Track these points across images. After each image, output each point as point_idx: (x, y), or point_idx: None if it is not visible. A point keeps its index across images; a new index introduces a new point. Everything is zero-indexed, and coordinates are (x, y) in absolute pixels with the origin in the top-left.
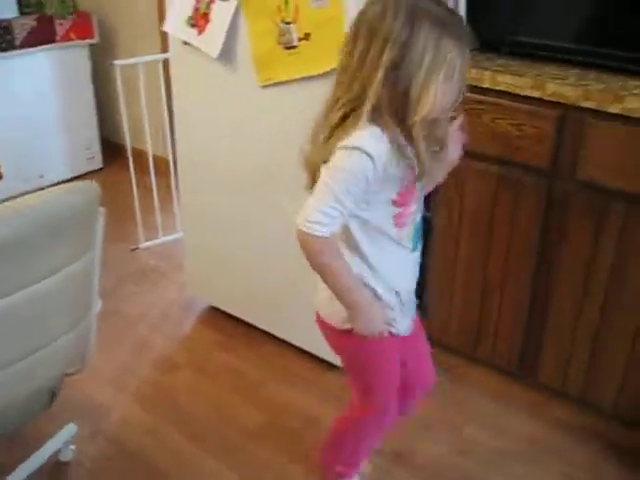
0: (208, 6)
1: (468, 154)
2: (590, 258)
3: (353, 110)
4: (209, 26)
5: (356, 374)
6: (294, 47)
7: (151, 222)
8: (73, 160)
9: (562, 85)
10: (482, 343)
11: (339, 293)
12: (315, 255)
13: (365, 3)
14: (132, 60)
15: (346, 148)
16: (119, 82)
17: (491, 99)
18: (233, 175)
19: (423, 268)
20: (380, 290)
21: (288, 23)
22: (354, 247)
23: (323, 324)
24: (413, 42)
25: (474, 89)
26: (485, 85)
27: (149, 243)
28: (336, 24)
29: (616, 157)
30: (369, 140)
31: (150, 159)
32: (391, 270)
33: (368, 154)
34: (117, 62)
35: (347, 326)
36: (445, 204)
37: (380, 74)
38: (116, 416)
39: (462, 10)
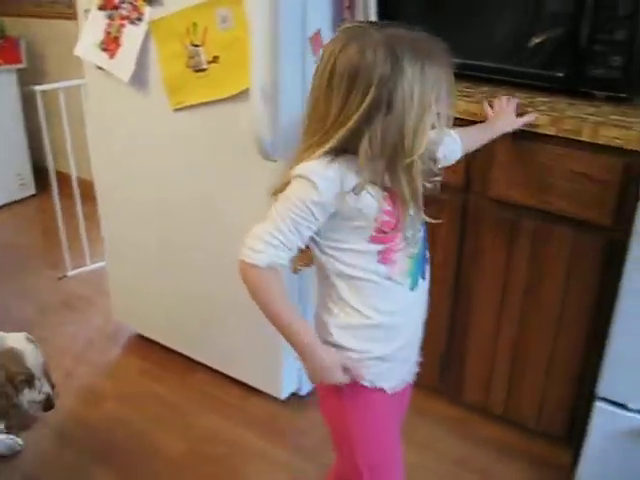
0: (119, 30)
1: None
2: (505, 275)
3: (313, 152)
4: (120, 50)
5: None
6: (203, 70)
7: (80, 249)
8: (5, 186)
9: (469, 103)
10: None
11: (281, 332)
12: (251, 286)
13: (334, 48)
14: (53, 85)
15: (293, 177)
16: (40, 107)
17: None
18: (150, 199)
19: None
20: (372, 344)
21: (197, 46)
22: (337, 294)
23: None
24: (398, 79)
25: None
26: None
27: (76, 271)
28: (242, 45)
29: (524, 173)
30: (316, 169)
31: (74, 184)
32: (384, 316)
33: (311, 181)
34: (37, 87)
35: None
36: None
37: (357, 116)
38: (31, 454)
39: None
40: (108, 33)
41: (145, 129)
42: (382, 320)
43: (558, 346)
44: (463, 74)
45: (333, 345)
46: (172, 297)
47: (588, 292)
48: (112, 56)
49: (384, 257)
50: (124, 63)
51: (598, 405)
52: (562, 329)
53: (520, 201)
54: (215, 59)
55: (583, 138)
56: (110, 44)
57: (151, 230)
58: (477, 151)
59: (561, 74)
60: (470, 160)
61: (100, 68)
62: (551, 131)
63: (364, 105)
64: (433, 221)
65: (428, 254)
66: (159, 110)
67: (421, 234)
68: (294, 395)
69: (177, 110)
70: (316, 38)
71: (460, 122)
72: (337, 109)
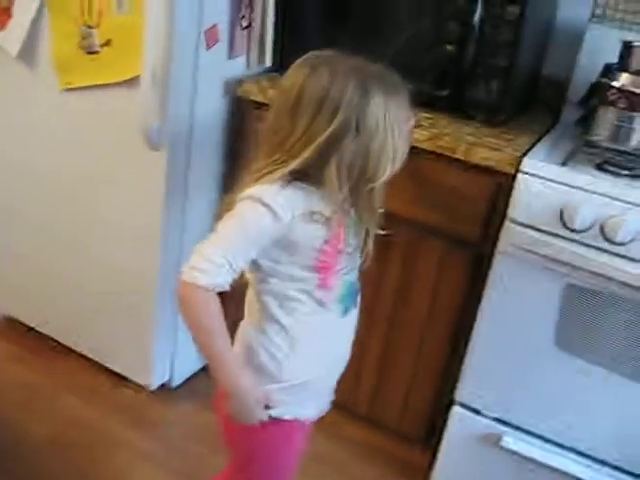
0: (10, 0)
1: None
2: (378, 282)
3: (270, 173)
4: (10, 22)
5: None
6: (96, 52)
7: None
8: None
9: None
10: None
11: (209, 359)
12: (192, 309)
13: (304, 70)
14: None
15: (244, 197)
16: None
17: None
18: (31, 179)
19: None
20: (298, 370)
21: (90, 27)
22: (269, 316)
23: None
24: (367, 105)
25: None
26: None
27: None
28: (137, 32)
29: (404, 186)
30: (271, 192)
31: None
32: (313, 341)
33: (265, 205)
34: None
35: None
36: None
37: (324, 137)
38: None
39: (269, 30)
40: None
41: (31, 107)
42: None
43: (423, 352)
44: None
45: (258, 367)
46: (43, 280)
47: (454, 303)
48: (2, 28)
49: (322, 282)
50: (13, 36)
51: (455, 410)
52: (428, 336)
53: (397, 212)
54: (108, 42)
55: (458, 156)
56: (0, 15)
57: (23, 210)
58: None
59: (445, 93)
60: None
61: None
62: (429, 147)
63: (332, 127)
64: (382, 233)
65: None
66: (47, 89)
67: (358, 260)
68: (164, 386)
69: (66, 90)
70: (211, 32)
71: None
72: (302, 129)
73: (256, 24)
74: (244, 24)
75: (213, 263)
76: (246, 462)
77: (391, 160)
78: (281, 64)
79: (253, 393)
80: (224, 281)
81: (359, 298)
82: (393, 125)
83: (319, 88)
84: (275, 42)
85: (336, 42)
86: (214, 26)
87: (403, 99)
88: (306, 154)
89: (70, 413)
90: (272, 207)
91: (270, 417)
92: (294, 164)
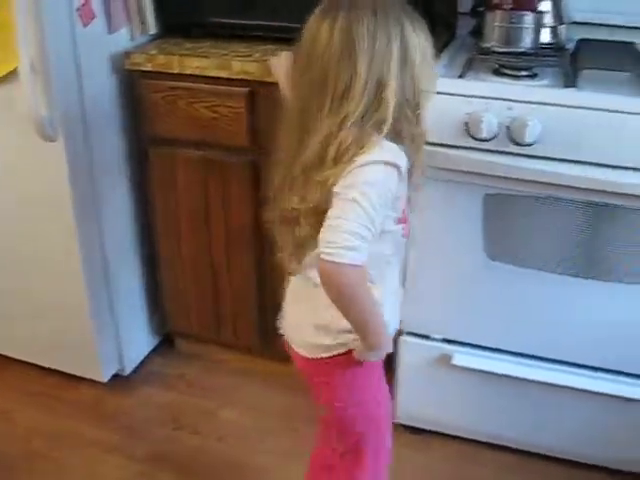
0: None
1: (172, 142)
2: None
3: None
4: None
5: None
6: None
7: None
8: None
9: (246, 62)
10: (223, 327)
11: (370, 330)
12: (350, 290)
13: (338, 18)
14: None
15: (370, 163)
16: None
17: (183, 84)
18: None
19: (153, 261)
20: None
21: None
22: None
23: (328, 365)
24: (408, 36)
25: (165, 75)
26: (175, 71)
27: None
28: (5, 26)
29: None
30: (392, 153)
31: None
32: (390, 288)
33: (396, 166)
34: None
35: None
36: (161, 194)
37: (389, 76)
38: None
39: (149, 7)
40: None
41: None
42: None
43: None
44: (244, 35)
45: None
46: None
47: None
48: None
49: (405, 232)
50: None
51: (404, 339)
52: None
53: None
54: None
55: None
56: None
57: None
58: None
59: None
60: None
61: None
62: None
63: (393, 62)
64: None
65: None
66: None
67: None
68: (118, 376)
69: None
70: (85, 9)
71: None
72: (365, 72)
73: None
74: None
75: (361, 238)
76: (350, 419)
77: (432, 82)
78: (167, 29)
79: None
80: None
81: None
82: (425, 50)
83: (364, 30)
84: (156, 8)
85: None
86: (86, 2)
87: (424, 25)
88: (387, 96)
89: (26, 424)
90: (399, 166)
91: None
92: (386, 113)
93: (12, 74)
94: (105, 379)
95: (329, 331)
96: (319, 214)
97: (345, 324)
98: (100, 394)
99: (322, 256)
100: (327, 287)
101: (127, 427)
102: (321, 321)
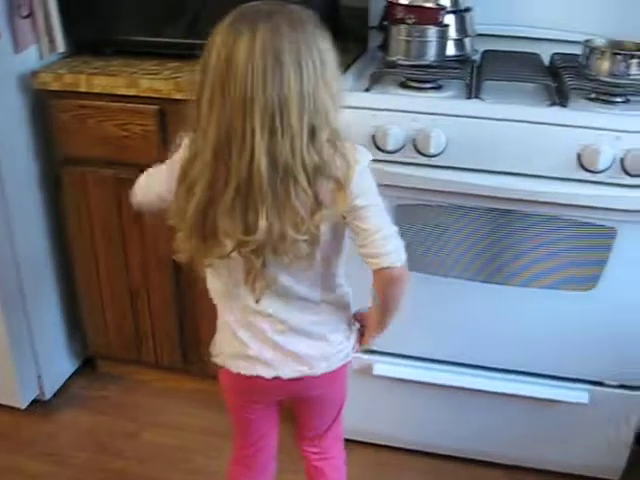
0: None
1: (84, 161)
2: None
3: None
4: None
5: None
6: None
7: None
8: None
9: (155, 80)
10: (144, 346)
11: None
12: (405, 288)
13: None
14: None
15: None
16: None
17: (92, 102)
18: None
19: (72, 285)
20: None
21: None
22: None
23: (342, 371)
24: (323, 52)
25: (74, 94)
26: (82, 89)
27: None
28: None
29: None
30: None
31: None
32: None
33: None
34: None
35: None
36: (74, 214)
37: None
38: None
39: (54, 14)
40: None
41: None
42: None
43: None
44: (154, 53)
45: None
46: None
47: None
48: None
49: None
50: None
51: None
52: None
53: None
54: None
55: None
56: None
57: None
58: None
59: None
60: None
61: None
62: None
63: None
64: None
65: None
66: None
67: None
68: (38, 402)
69: None
70: None
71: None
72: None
73: (38, 11)
74: (24, 13)
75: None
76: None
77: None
78: (77, 48)
79: None
80: None
81: None
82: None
83: (287, 45)
84: (65, 26)
85: (127, 13)
86: None
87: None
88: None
89: None
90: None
91: None
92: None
93: None
94: (24, 405)
95: (339, 331)
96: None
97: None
98: (18, 421)
99: (392, 264)
100: (399, 290)
101: (48, 454)
102: (334, 327)
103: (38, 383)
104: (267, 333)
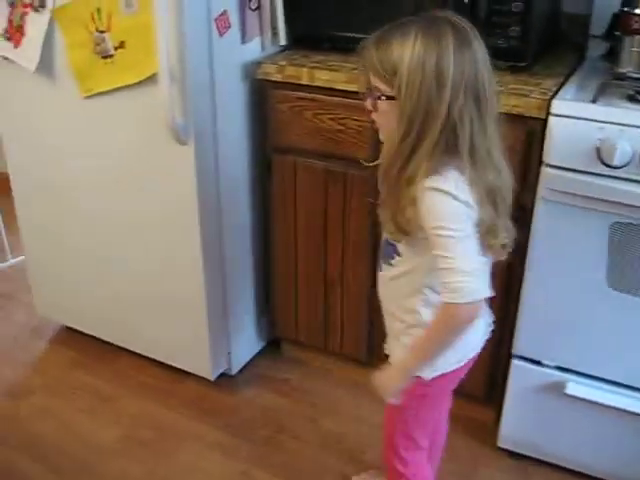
0: (22, 18)
1: (295, 151)
2: None
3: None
4: (24, 39)
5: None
6: (111, 56)
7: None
8: None
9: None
10: (331, 336)
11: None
12: (463, 325)
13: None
14: None
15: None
16: None
17: (311, 95)
18: (66, 189)
19: (267, 266)
20: None
21: (102, 32)
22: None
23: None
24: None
25: (294, 86)
26: (303, 82)
27: None
28: (147, 29)
29: None
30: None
31: None
32: None
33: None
34: None
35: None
36: (280, 199)
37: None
38: None
39: (279, 8)
40: (10, 21)
41: (56, 117)
42: None
43: None
44: None
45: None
46: (96, 287)
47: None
48: (17, 45)
49: None
50: (29, 52)
51: (515, 363)
52: None
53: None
54: (122, 44)
55: None
56: (14, 33)
57: (70, 220)
58: None
59: None
60: None
61: (6, 58)
62: None
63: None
64: None
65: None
66: (69, 98)
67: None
68: (224, 375)
69: (88, 97)
70: (222, 19)
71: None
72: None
73: (265, 4)
74: (253, 6)
75: (477, 276)
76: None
77: None
78: (295, 41)
79: None
80: None
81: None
82: None
83: (457, 68)
84: (287, 20)
85: (347, 10)
86: (224, 12)
87: None
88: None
89: (134, 412)
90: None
91: None
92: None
93: (148, 78)
94: (213, 377)
95: None
96: None
97: None
98: (206, 391)
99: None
100: (444, 322)
101: (230, 425)
102: None
103: (227, 358)
104: None
